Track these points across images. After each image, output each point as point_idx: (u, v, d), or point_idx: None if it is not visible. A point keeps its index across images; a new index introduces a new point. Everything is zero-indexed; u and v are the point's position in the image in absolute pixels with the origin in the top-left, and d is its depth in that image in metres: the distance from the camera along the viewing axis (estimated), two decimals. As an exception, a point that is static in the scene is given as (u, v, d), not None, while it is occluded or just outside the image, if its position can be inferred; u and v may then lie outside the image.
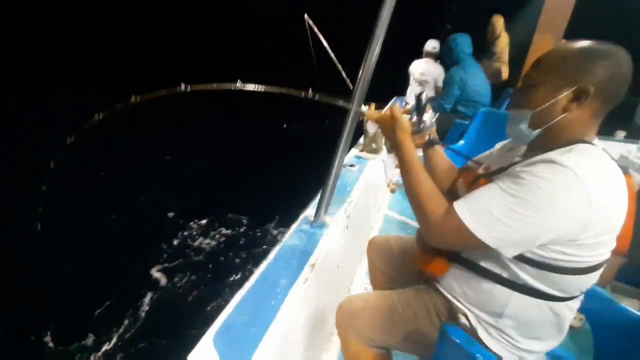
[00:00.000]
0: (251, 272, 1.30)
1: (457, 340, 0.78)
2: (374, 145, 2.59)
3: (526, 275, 0.76)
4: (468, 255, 0.86)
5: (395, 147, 0.98)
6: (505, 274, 0.79)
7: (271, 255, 1.40)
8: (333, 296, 1.57)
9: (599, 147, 0.76)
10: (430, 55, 4.14)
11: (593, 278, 0.76)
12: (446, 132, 2.85)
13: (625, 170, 0.76)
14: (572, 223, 0.67)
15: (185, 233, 4.25)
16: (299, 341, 1.24)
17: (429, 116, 1.11)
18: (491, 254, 0.78)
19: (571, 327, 1.65)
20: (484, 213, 0.71)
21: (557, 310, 0.79)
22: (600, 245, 0.71)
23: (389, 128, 1.01)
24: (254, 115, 7.57)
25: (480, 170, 0.97)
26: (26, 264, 3.42)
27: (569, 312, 0.81)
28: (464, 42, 2.93)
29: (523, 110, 0.81)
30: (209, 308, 3.01)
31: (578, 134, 0.77)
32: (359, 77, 1.33)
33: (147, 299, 3.24)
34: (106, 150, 5.71)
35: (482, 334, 0.86)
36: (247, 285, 1.22)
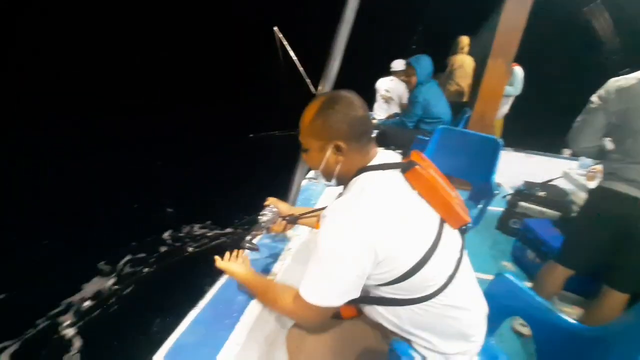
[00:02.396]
0: (205, 292, 1.25)
1: (404, 357, 0.84)
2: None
3: (391, 294, 0.87)
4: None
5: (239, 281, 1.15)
6: (382, 296, 0.89)
7: (226, 275, 1.36)
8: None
9: (374, 164, 0.90)
10: (396, 73, 4.32)
11: (433, 266, 0.83)
12: (409, 147, 2.95)
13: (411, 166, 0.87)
14: (362, 254, 0.79)
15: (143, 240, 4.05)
16: (255, 360, 1.20)
17: (265, 217, 1.25)
18: (368, 287, 0.90)
19: (522, 335, 1.77)
20: (312, 284, 0.86)
21: (442, 302, 0.86)
22: (402, 250, 0.81)
23: (230, 273, 1.15)
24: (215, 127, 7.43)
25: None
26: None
27: (454, 300, 0.88)
28: (424, 64, 3.07)
29: (313, 169, 0.99)
30: (160, 329, 2.85)
31: (356, 167, 0.92)
32: (317, 91, 1.36)
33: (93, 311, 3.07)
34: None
35: (415, 346, 0.93)
36: (201, 304, 1.18)
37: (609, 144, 1.53)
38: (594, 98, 1.48)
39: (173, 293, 3.15)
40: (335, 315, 1.20)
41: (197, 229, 4.47)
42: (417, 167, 0.86)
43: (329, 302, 0.85)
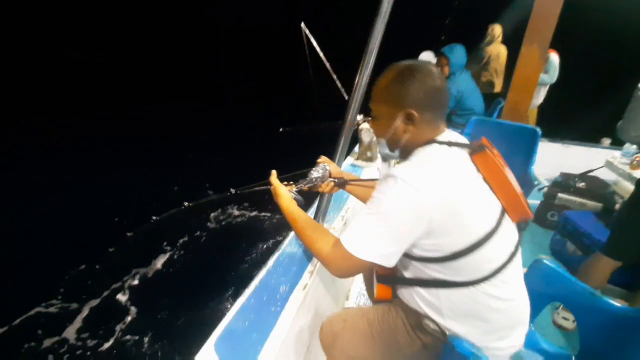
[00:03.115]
0: (251, 278, 1.31)
1: (463, 353, 0.83)
2: (369, 154, 2.63)
3: (436, 272, 0.87)
4: (398, 273, 0.98)
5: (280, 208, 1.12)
6: (424, 276, 0.89)
7: (270, 262, 1.41)
8: (331, 303, 1.58)
9: (442, 141, 0.89)
10: None
11: (488, 250, 0.83)
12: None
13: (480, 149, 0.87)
14: (416, 219, 0.79)
15: (185, 238, 4.27)
16: (299, 347, 1.25)
17: (317, 169, 1.26)
18: (402, 265, 0.93)
19: (564, 329, 1.72)
20: (359, 236, 0.84)
21: (487, 292, 0.86)
22: (459, 227, 0.81)
23: (274, 195, 1.15)
24: (248, 120, 7.67)
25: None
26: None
27: (499, 290, 0.87)
28: (458, 53, 3.00)
29: (379, 137, 0.98)
30: (210, 314, 3.03)
31: (424, 139, 0.90)
32: (354, 87, 1.37)
33: (146, 305, 3.26)
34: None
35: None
36: (247, 292, 1.23)
37: None
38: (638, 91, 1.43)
39: (221, 280, 3.36)
40: (369, 295, 1.23)
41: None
42: (487, 150, 0.86)
43: (368, 256, 0.83)
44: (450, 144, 0.88)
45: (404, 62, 0.91)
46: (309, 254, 1.48)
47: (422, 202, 0.78)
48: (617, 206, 2.36)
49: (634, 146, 2.25)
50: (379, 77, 0.95)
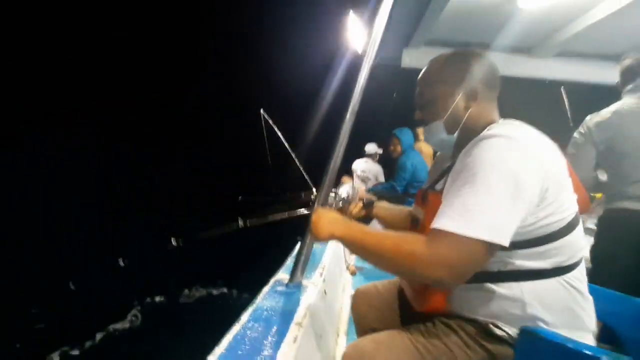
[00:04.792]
0: (219, 335, 0.98)
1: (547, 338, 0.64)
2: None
3: (523, 260, 0.71)
4: None
5: (337, 238, 0.86)
6: (502, 269, 0.73)
7: (244, 317, 1.10)
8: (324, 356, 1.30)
9: (510, 120, 0.82)
10: (370, 155, 4.67)
11: (578, 234, 0.74)
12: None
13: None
14: (533, 177, 0.65)
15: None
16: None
17: (344, 189, 1.19)
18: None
19: None
20: (466, 213, 0.64)
21: (572, 283, 0.73)
22: (564, 197, 0.71)
23: (319, 227, 0.89)
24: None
25: (424, 187, 1.01)
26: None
27: (582, 285, 0.76)
28: (407, 135, 3.41)
29: (434, 122, 0.88)
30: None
31: (486, 120, 0.83)
32: (323, 180, 1.32)
33: None
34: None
35: None
36: (218, 350, 0.91)
37: (602, 173, 1.64)
38: (577, 135, 1.65)
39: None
40: (403, 321, 0.97)
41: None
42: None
43: (488, 233, 0.61)
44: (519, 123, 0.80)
45: (456, 49, 0.91)
46: (291, 306, 1.19)
47: (536, 157, 0.66)
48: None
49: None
50: (430, 62, 0.91)
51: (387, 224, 1.19)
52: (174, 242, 1.02)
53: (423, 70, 0.92)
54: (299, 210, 1.14)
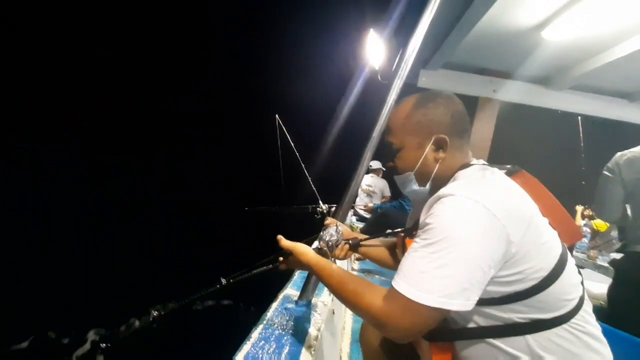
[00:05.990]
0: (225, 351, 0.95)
1: None
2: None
3: (515, 314, 0.68)
4: (455, 325, 0.76)
5: (307, 270, 0.92)
6: (498, 323, 0.70)
7: (254, 335, 1.06)
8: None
9: (477, 163, 0.81)
10: (375, 171, 4.73)
11: (567, 278, 0.69)
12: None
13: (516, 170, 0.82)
14: (492, 239, 0.64)
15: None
16: None
17: (328, 231, 1.11)
18: (466, 315, 0.72)
19: None
20: (419, 277, 0.64)
21: (580, 328, 0.69)
22: (538, 246, 0.67)
23: (293, 261, 0.94)
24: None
25: (401, 234, 0.98)
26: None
27: (591, 326, 0.71)
28: None
29: (405, 173, 0.87)
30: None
31: (456, 167, 0.81)
32: (343, 197, 1.34)
33: None
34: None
35: None
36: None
37: (629, 210, 1.61)
38: (606, 171, 1.63)
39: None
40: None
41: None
42: (525, 172, 0.80)
43: (438, 301, 0.62)
44: (486, 165, 0.80)
45: (419, 93, 0.87)
46: (302, 325, 1.16)
47: (495, 217, 0.63)
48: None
49: (585, 239, 2.48)
50: (395, 109, 0.89)
51: (376, 261, 1.19)
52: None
53: (391, 116, 0.90)
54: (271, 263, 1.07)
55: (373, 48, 2.90)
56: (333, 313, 1.53)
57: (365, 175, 4.74)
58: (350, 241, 1.11)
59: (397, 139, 0.86)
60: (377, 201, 4.51)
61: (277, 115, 2.72)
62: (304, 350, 1.02)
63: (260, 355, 0.95)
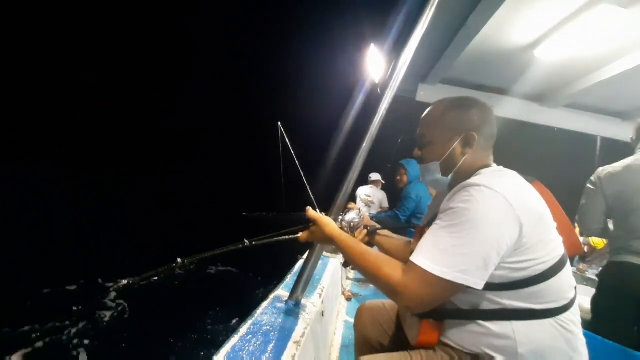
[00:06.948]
0: (214, 346, 0.98)
1: None
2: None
3: (510, 300, 0.75)
4: (450, 305, 0.83)
5: (330, 243, 0.99)
6: (492, 307, 0.76)
7: (242, 329, 1.10)
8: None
9: (499, 167, 0.89)
10: (374, 182, 4.81)
11: (564, 277, 0.77)
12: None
13: (532, 179, 0.88)
14: (507, 225, 0.70)
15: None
16: None
17: (351, 215, 1.22)
18: (469, 293, 0.77)
19: None
20: (438, 253, 0.72)
21: (565, 326, 0.75)
22: (545, 242, 0.74)
23: (317, 232, 1.03)
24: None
25: (422, 224, 1.05)
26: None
27: (575, 327, 0.77)
28: (414, 166, 3.42)
29: (431, 163, 0.94)
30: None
31: (479, 165, 0.89)
32: (336, 198, 1.36)
33: None
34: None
35: None
36: None
37: (611, 224, 1.66)
38: (589, 185, 1.68)
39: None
40: (405, 342, 0.97)
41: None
42: (539, 182, 0.86)
43: (454, 275, 0.68)
44: (505, 170, 0.86)
45: (455, 96, 0.95)
46: (290, 324, 1.19)
47: (512, 207, 0.70)
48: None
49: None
50: (431, 107, 0.97)
51: (388, 252, 1.22)
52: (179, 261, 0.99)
53: (426, 112, 0.97)
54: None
55: (373, 62, 2.99)
56: (322, 315, 1.56)
57: (365, 186, 4.80)
58: (369, 227, 1.20)
59: (429, 132, 0.94)
60: (374, 211, 4.54)
61: (279, 123, 2.80)
62: (290, 344, 1.05)
63: (247, 348, 0.99)
